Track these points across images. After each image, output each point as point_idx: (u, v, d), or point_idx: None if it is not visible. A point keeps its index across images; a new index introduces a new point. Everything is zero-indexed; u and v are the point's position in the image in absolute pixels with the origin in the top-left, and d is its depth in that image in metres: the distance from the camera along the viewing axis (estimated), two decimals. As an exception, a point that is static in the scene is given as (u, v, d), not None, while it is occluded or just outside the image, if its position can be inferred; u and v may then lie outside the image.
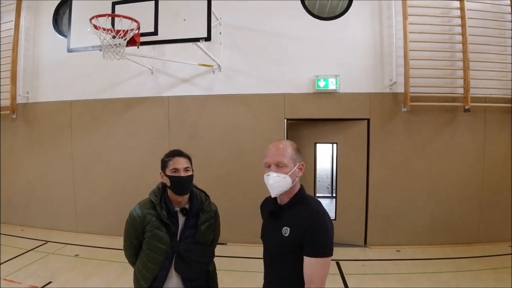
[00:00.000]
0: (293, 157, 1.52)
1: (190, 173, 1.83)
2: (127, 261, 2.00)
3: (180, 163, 1.80)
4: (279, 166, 1.49)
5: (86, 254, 4.62)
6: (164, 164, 1.84)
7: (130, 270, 1.99)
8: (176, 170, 1.79)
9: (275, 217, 1.56)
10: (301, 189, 1.58)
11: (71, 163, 5.47)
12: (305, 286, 1.41)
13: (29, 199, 5.72)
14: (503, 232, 4.88)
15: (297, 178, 1.54)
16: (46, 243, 5.00)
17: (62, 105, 5.51)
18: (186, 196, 1.86)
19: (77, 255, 4.57)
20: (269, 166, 1.52)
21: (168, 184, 1.81)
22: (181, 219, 1.84)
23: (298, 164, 1.54)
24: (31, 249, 4.72)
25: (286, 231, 1.48)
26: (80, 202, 5.48)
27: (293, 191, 1.55)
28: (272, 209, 1.60)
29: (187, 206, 1.87)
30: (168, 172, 1.80)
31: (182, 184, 1.80)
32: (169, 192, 1.84)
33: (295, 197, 1.54)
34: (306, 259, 1.41)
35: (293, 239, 1.45)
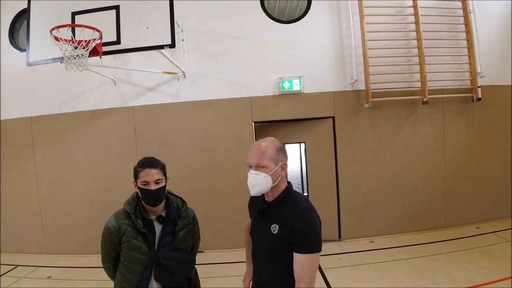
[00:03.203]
0: (274, 157, 1.50)
1: (161, 184, 1.78)
2: (101, 278, 1.95)
3: (151, 175, 1.75)
4: (259, 167, 1.49)
5: (59, 275, 4.43)
6: (135, 174, 1.81)
7: (106, 286, 1.92)
8: (146, 183, 1.75)
9: (263, 215, 1.56)
10: (288, 186, 1.57)
11: (35, 181, 5.25)
12: (296, 282, 1.42)
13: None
14: (469, 215, 5.16)
15: (279, 177, 1.52)
16: (16, 267, 4.78)
17: (22, 122, 5.28)
18: (162, 204, 1.84)
19: (50, 277, 4.39)
20: (250, 166, 1.52)
21: (140, 195, 1.80)
22: (158, 227, 1.82)
23: (280, 163, 1.51)
24: (2, 275, 4.51)
25: (274, 228, 1.49)
26: (48, 221, 5.26)
27: (280, 189, 1.54)
28: (260, 207, 1.59)
29: (163, 214, 1.84)
30: (139, 184, 1.77)
31: (152, 197, 1.77)
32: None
33: (282, 194, 1.54)
34: (296, 256, 1.42)
35: (282, 236, 1.45)
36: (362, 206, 5.04)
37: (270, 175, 1.48)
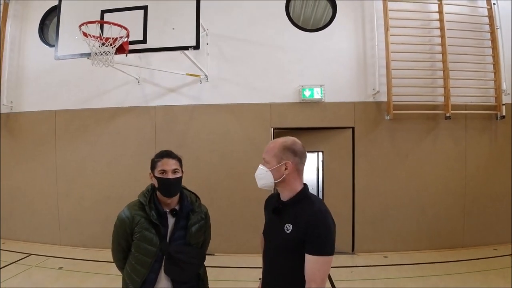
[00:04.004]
0: (277, 155, 1.53)
1: (178, 175, 1.81)
2: (112, 273, 1.95)
3: (169, 164, 1.79)
4: (264, 162, 1.56)
5: (70, 266, 4.50)
6: (153, 165, 1.83)
7: (116, 281, 1.93)
8: (164, 171, 1.77)
9: (278, 214, 1.57)
10: (305, 187, 1.58)
11: (54, 174, 5.36)
12: (306, 283, 1.41)
13: (12, 211, 5.55)
14: (488, 236, 5.00)
15: (283, 176, 1.52)
16: (28, 255, 4.87)
17: (46, 115, 5.42)
18: (176, 197, 1.85)
19: (61, 267, 4.46)
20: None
21: (156, 185, 1.81)
22: (171, 220, 1.82)
23: (283, 162, 1.52)
24: (14, 262, 4.58)
25: (288, 228, 1.48)
26: (64, 213, 5.36)
27: (295, 189, 1.55)
28: (275, 206, 1.60)
29: (177, 207, 1.86)
30: (156, 173, 1.79)
31: (169, 186, 1.78)
32: (158, 193, 1.83)
33: (298, 195, 1.54)
34: (308, 257, 1.41)
35: (295, 236, 1.45)
36: (377, 219, 4.94)
37: (270, 170, 1.53)
